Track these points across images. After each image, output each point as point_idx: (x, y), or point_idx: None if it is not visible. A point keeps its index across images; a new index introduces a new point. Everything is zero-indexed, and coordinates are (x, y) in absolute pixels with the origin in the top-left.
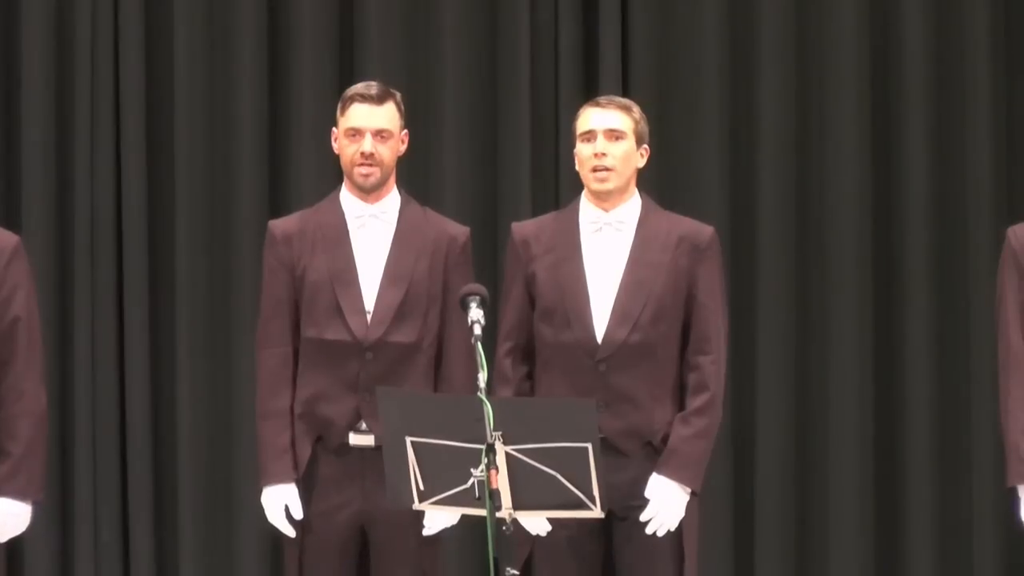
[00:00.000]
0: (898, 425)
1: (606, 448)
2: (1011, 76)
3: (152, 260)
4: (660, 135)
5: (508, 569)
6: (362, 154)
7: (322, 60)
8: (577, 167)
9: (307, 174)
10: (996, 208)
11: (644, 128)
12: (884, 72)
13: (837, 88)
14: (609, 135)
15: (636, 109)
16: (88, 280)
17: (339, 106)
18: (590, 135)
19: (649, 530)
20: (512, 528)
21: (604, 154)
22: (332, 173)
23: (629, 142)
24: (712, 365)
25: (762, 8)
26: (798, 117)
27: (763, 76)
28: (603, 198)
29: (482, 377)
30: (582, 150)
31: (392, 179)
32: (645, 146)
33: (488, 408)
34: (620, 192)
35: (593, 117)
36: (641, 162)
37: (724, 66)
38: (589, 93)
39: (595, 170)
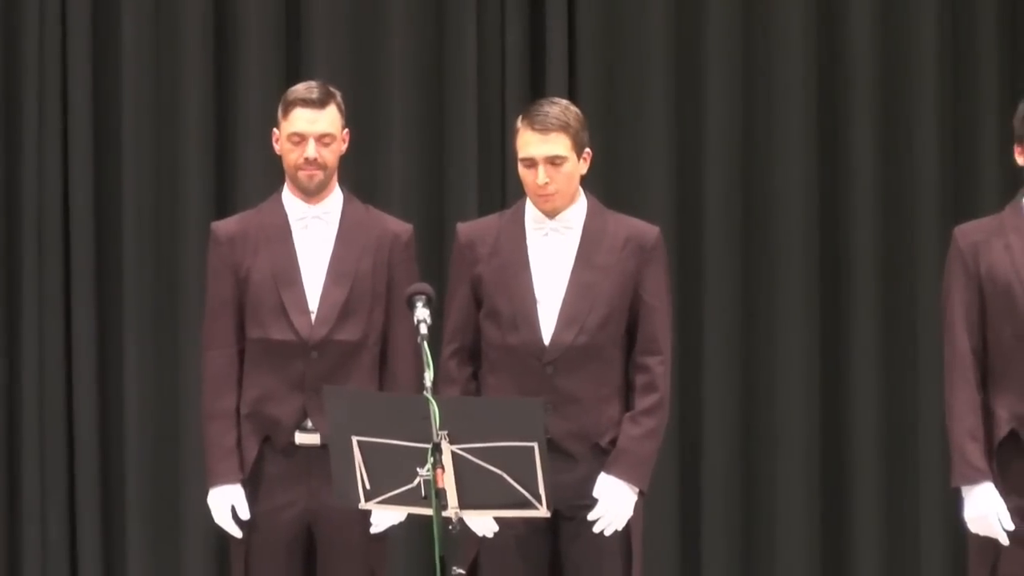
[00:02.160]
0: (845, 425)
1: (553, 450)
2: (957, 74)
3: (99, 260)
4: (606, 134)
5: (454, 568)
6: (305, 159)
7: (268, 59)
8: (521, 180)
9: (253, 173)
10: (943, 208)
11: (584, 136)
12: (830, 71)
13: (783, 87)
14: (549, 162)
15: (574, 119)
16: (36, 279)
17: (280, 108)
18: (530, 162)
19: (597, 529)
20: (458, 527)
21: (547, 182)
22: (279, 172)
23: (571, 162)
24: (660, 366)
25: (708, 7)
26: (744, 116)
27: (709, 75)
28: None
29: (428, 376)
30: (524, 174)
31: (334, 179)
32: (587, 151)
33: (434, 407)
34: (566, 204)
35: (532, 145)
36: (584, 168)
37: (670, 65)
38: (536, 92)
39: (538, 195)
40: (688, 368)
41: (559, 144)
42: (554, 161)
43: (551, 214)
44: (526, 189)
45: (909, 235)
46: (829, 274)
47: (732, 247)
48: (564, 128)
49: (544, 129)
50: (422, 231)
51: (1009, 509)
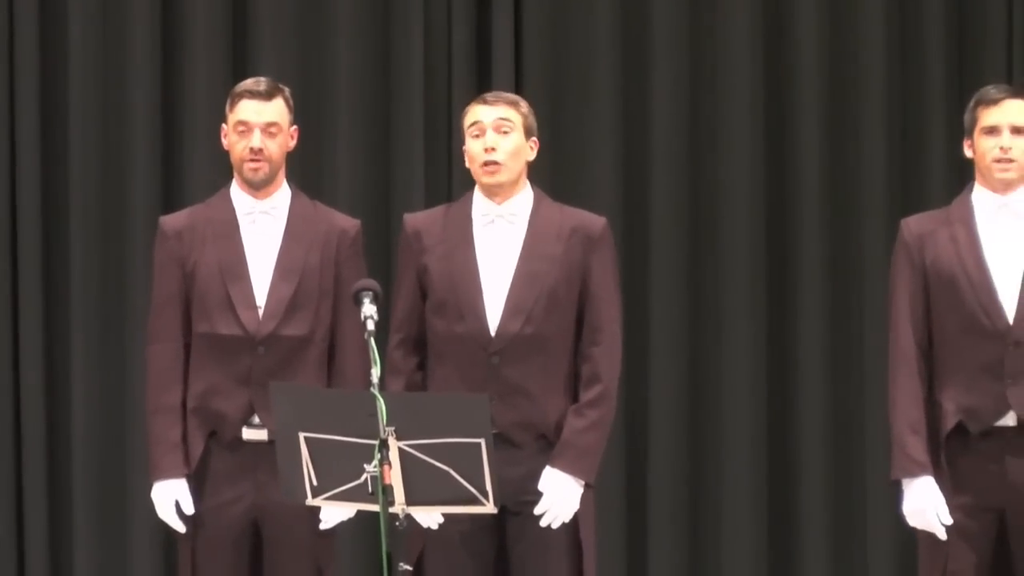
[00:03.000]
0: (791, 418)
1: (499, 440)
2: (904, 70)
3: (46, 256)
4: (553, 129)
5: (401, 564)
6: (251, 149)
7: (215, 56)
8: (467, 163)
9: (200, 170)
10: (890, 204)
11: (533, 121)
12: (777, 64)
13: (730, 81)
14: (498, 128)
15: (523, 103)
16: None
17: (228, 102)
18: (479, 128)
19: (543, 523)
20: (405, 523)
21: (494, 148)
22: (225, 168)
23: (518, 135)
24: (605, 356)
25: (654, 4)
26: (691, 111)
27: (656, 70)
28: (495, 192)
29: (375, 372)
30: (471, 145)
31: (282, 174)
32: (534, 139)
33: (381, 403)
34: (511, 185)
35: (481, 111)
36: (531, 155)
37: (617, 61)
38: (482, 88)
39: (485, 164)
40: (635, 362)
41: (508, 112)
42: (502, 127)
43: (497, 194)
44: (471, 166)
45: (856, 231)
46: (776, 269)
47: (679, 243)
48: (514, 104)
49: (495, 100)
50: (369, 227)
51: (956, 505)
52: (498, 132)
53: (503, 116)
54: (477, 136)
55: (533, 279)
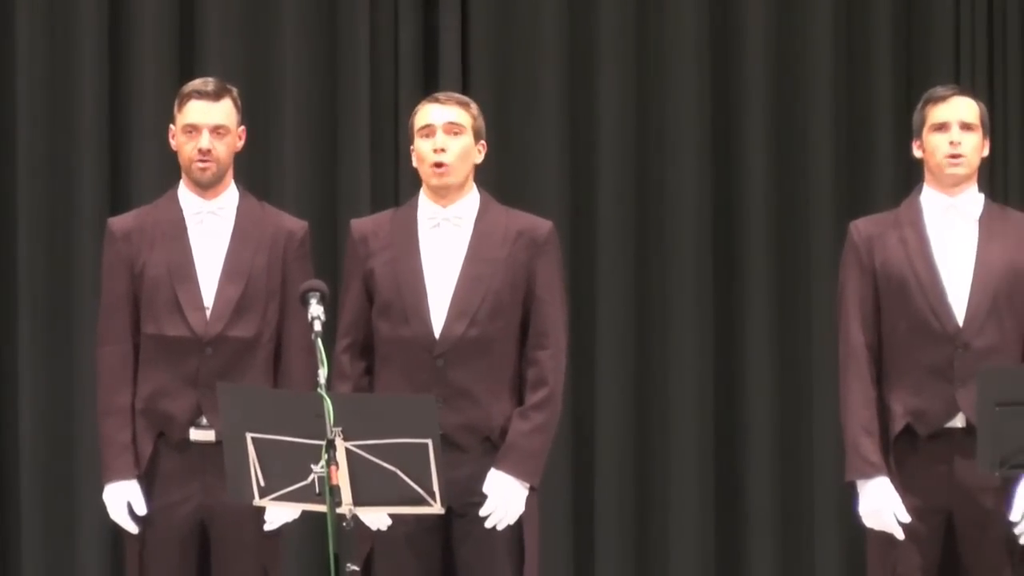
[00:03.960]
0: (739, 420)
1: (444, 443)
2: (851, 72)
3: None
4: (500, 132)
5: (348, 565)
6: (199, 150)
7: (163, 56)
8: (415, 163)
9: (148, 172)
10: (837, 205)
11: (482, 124)
12: (724, 67)
13: (677, 84)
14: (448, 129)
15: (474, 105)
16: None
17: (176, 103)
18: (428, 130)
19: (488, 525)
20: (352, 524)
21: (443, 149)
22: (173, 170)
23: (467, 137)
24: (551, 360)
25: (601, 7)
26: (637, 115)
27: (602, 74)
28: (441, 194)
29: (322, 373)
30: (420, 146)
31: (229, 175)
32: (483, 142)
33: (328, 404)
34: (458, 188)
35: (432, 112)
36: (479, 158)
37: (564, 64)
38: (429, 90)
39: (434, 165)
40: (581, 365)
41: (458, 115)
42: (452, 129)
43: (443, 196)
44: (420, 166)
45: (803, 233)
46: (723, 272)
47: (625, 246)
48: (465, 105)
49: (447, 100)
50: (315, 228)
51: (904, 506)
52: (448, 134)
53: (454, 119)
54: (427, 136)
55: (477, 282)
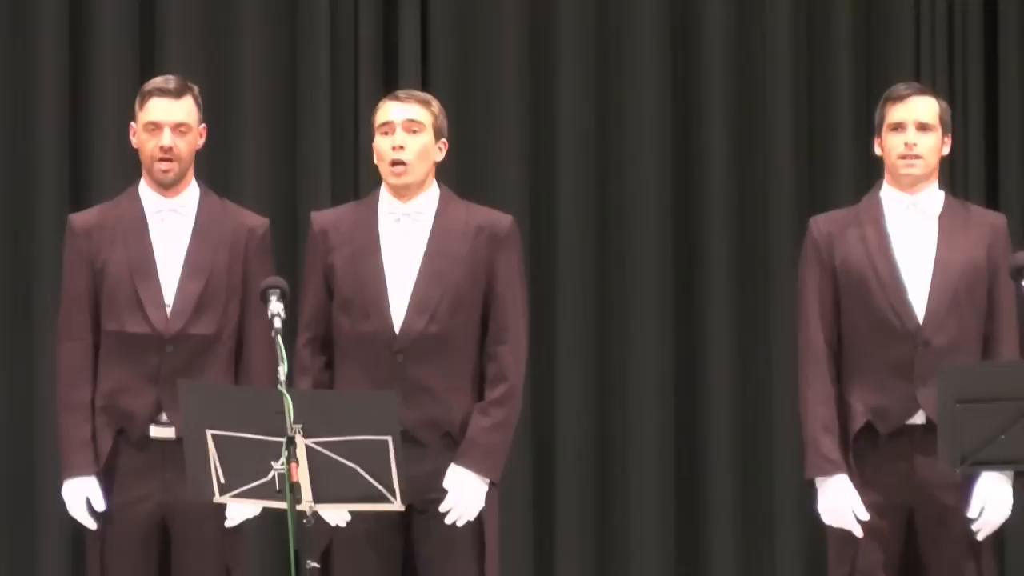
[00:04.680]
0: (699, 416)
1: (405, 439)
2: (812, 68)
3: None
4: (460, 128)
5: (308, 561)
6: (161, 148)
7: (123, 56)
8: (376, 161)
9: (108, 168)
10: (797, 204)
11: (443, 122)
12: (684, 64)
13: (638, 82)
14: (407, 127)
15: (435, 103)
16: None
17: (137, 100)
18: (388, 127)
19: (448, 520)
20: (312, 521)
21: (402, 147)
22: (134, 167)
23: (427, 135)
24: (511, 355)
25: (560, 4)
26: (597, 111)
27: (562, 70)
28: (401, 191)
29: (282, 370)
30: (380, 143)
31: (190, 172)
32: (444, 140)
33: (288, 401)
34: (418, 185)
35: (392, 109)
36: (439, 156)
37: (523, 60)
38: (389, 87)
39: (393, 164)
40: (542, 360)
41: (419, 112)
42: (412, 127)
43: (402, 192)
44: (380, 162)
45: (763, 231)
46: (683, 269)
47: (586, 242)
48: (425, 104)
49: (407, 97)
50: (276, 225)
51: (865, 504)
52: (407, 132)
53: (413, 116)
54: (386, 134)
55: (438, 277)
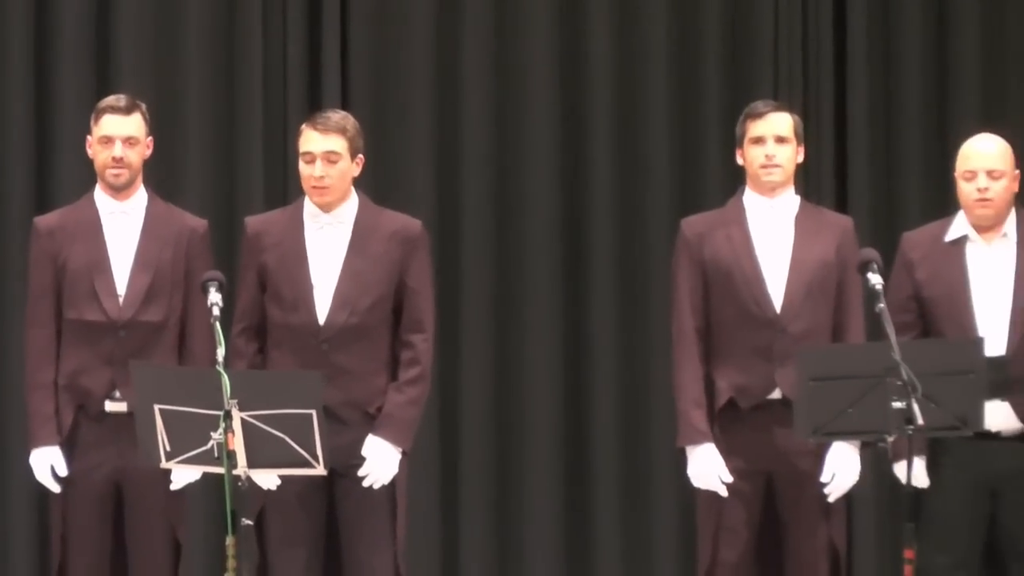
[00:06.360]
0: (587, 395)
1: (329, 417)
2: (684, 90)
3: None
4: (376, 141)
5: (243, 520)
6: (113, 158)
7: (82, 76)
8: (301, 180)
9: (69, 176)
10: (672, 208)
11: (359, 141)
12: (573, 89)
13: (532, 102)
14: (326, 158)
15: (351, 125)
16: None
17: (92, 117)
18: (309, 156)
19: (366, 484)
20: (247, 484)
21: (322, 176)
22: (91, 175)
23: (345, 161)
24: (423, 343)
25: (465, 34)
26: (497, 128)
27: (467, 92)
28: (323, 206)
29: (220, 352)
30: (303, 169)
31: (139, 179)
32: (360, 156)
33: (225, 379)
34: (338, 200)
35: (312, 140)
36: (357, 171)
37: (432, 81)
38: (314, 103)
39: (314, 187)
40: (447, 348)
41: (336, 143)
42: (330, 157)
43: (324, 208)
44: (303, 183)
45: (643, 232)
46: (572, 266)
47: (487, 243)
48: (342, 131)
49: (325, 129)
50: (214, 225)
51: (730, 469)
52: (326, 163)
53: (332, 148)
54: (309, 163)
55: (358, 276)
